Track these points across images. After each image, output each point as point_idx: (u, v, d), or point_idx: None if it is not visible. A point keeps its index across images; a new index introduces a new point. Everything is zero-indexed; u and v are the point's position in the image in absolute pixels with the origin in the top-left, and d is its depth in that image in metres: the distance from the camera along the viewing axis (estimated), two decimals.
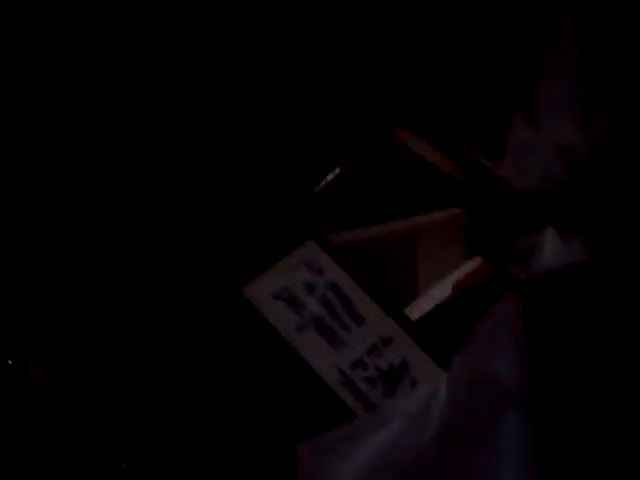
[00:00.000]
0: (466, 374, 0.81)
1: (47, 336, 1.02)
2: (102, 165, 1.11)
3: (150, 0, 1.15)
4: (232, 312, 0.92)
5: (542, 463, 0.73)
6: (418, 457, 0.78)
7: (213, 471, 0.88)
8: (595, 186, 1.10)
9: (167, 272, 1.00)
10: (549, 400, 0.78)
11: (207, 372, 0.92)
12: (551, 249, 1.05)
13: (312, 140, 1.12)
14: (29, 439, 0.96)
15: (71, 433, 0.95)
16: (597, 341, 0.79)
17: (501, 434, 0.76)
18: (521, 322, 0.84)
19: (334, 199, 1.07)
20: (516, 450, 0.75)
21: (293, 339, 0.89)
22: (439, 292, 0.99)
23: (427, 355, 0.87)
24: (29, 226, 1.09)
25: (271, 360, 0.90)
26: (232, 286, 0.92)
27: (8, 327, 1.04)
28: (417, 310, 0.96)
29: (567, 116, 1.15)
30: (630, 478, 0.72)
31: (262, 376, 0.90)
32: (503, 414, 0.77)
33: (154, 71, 1.15)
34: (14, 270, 1.07)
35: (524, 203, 1.11)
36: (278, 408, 0.88)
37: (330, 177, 1.07)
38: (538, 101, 1.15)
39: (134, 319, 0.98)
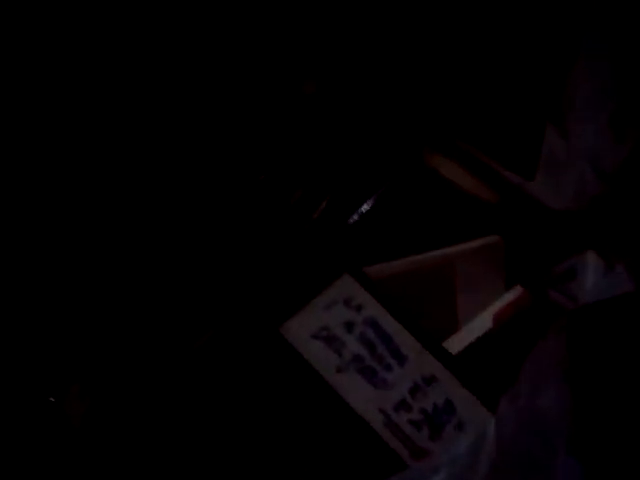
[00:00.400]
0: (514, 414, 0.80)
1: (88, 372, 1.02)
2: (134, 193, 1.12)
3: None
4: (270, 352, 0.91)
5: None
6: None
7: None
8: (632, 203, 1.08)
9: (203, 314, 0.99)
10: (597, 441, 0.77)
11: (246, 416, 0.91)
12: (593, 273, 1.03)
13: (344, 171, 1.11)
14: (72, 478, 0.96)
15: (113, 471, 0.95)
16: None
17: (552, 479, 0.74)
18: (567, 357, 0.82)
19: (368, 231, 1.05)
20: None
21: (334, 380, 0.87)
22: (480, 324, 0.97)
23: (471, 394, 0.85)
24: (66, 259, 1.09)
25: (312, 402, 0.88)
26: (270, 326, 0.91)
27: (48, 363, 1.04)
28: (458, 344, 0.94)
29: (599, 128, 1.13)
30: None
31: (303, 419, 0.88)
32: (553, 457, 0.75)
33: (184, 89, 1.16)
34: (52, 305, 1.07)
35: (561, 225, 1.09)
36: (321, 453, 0.87)
37: (364, 208, 1.05)
38: (569, 112, 1.14)
39: (173, 361, 0.98)
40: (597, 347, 0.82)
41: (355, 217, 1.05)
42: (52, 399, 1.01)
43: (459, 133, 1.15)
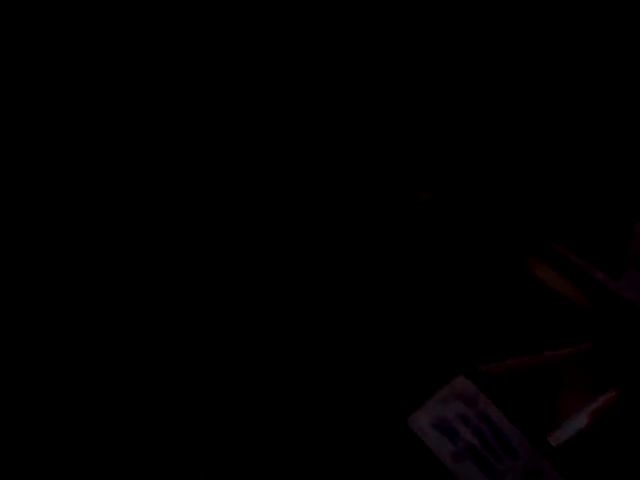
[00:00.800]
0: None
1: (217, 443, 1.11)
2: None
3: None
4: (397, 440, 1.05)
5: None
6: None
7: None
8: None
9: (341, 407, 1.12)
10: None
11: None
12: None
13: (457, 277, 1.24)
14: None
15: None
16: None
17: None
18: None
19: (479, 333, 1.19)
20: None
21: (451, 466, 1.02)
22: (577, 422, 1.10)
23: None
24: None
25: None
26: (396, 416, 1.06)
27: (182, 434, 1.10)
28: (558, 439, 1.07)
29: None
30: None
31: None
32: None
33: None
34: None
35: None
36: None
37: (476, 312, 1.20)
38: None
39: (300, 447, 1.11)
40: None
41: (467, 321, 1.19)
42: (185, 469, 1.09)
43: (554, 236, 1.27)
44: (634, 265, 1.25)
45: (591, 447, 1.07)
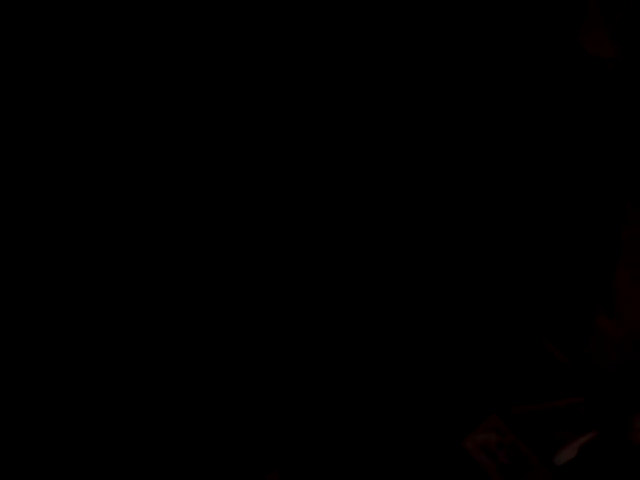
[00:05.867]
0: None
1: (286, 457, 1.23)
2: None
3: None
4: (453, 458, 1.49)
5: None
6: None
7: None
8: None
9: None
10: None
11: None
12: None
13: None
14: None
15: None
16: None
17: None
18: None
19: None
20: None
21: (495, 478, 1.47)
22: (571, 450, 1.56)
23: None
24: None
25: None
26: (453, 440, 1.50)
27: (248, 447, 1.16)
28: (559, 461, 1.54)
29: None
30: None
31: None
32: None
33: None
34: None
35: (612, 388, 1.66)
36: None
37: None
38: (616, 295, 1.49)
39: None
40: None
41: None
42: None
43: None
44: (595, 340, 1.65)
45: (580, 468, 1.53)
